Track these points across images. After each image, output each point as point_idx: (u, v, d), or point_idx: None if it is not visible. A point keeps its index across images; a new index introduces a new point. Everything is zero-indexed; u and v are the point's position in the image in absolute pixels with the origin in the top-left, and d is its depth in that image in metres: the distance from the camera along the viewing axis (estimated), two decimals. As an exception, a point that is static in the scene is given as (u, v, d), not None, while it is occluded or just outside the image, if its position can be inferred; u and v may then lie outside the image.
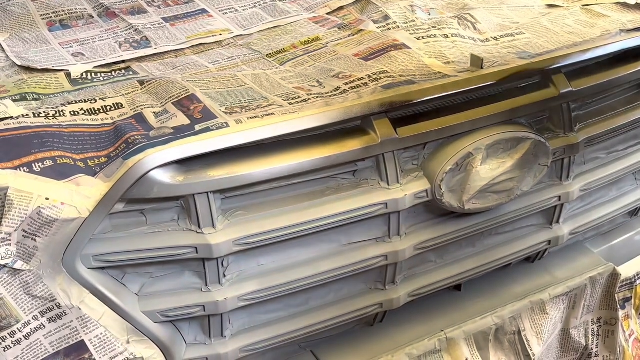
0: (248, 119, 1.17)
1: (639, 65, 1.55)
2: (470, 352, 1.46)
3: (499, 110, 1.36)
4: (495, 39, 1.61)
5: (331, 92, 1.30)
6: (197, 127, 1.14)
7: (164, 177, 1.09)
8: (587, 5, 1.78)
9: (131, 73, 1.45)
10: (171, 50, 1.57)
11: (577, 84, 1.45)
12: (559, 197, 1.50)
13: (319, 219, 1.22)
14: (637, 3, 1.73)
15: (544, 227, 1.56)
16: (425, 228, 1.36)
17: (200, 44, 1.60)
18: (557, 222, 1.56)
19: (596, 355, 1.67)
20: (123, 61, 1.51)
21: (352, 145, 1.23)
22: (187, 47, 1.59)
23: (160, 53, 1.56)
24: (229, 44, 1.61)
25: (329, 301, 1.34)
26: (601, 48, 1.49)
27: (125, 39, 1.59)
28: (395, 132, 1.25)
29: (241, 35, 1.65)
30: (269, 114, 1.19)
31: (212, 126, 1.14)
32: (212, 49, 1.59)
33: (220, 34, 1.64)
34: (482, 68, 1.38)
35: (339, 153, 1.21)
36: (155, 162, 1.07)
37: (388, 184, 1.28)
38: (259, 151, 1.17)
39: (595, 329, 1.67)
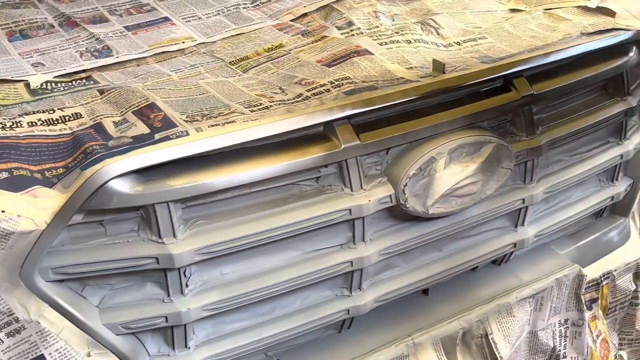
0: (209, 127, 1.16)
1: (599, 68, 1.57)
2: (438, 356, 1.46)
3: (461, 114, 1.36)
4: (458, 43, 1.61)
5: (293, 98, 1.29)
6: (157, 136, 1.13)
7: (123, 187, 1.08)
8: (550, 9, 1.79)
9: (92, 82, 1.43)
10: (133, 59, 1.56)
11: (538, 87, 1.46)
12: (523, 199, 1.51)
13: (282, 226, 1.21)
14: (598, 6, 1.75)
15: (509, 230, 1.56)
16: (390, 233, 1.36)
17: (163, 52, 1.59)
18: (522, 224, 1.57)
19: (564, 357, 1.68)
20: (84, 70, 1.50)
21: (314, 152, 1.22)
22: (149, 56, 1.57)
23: (122, 62, 1.54)
24: (191, 52, 1.60)
25: (295, 309, 1.33)
26: (562, 51, 1.50)
27: (86, 48, 1.58)
28: (357, 138, 1.25)
29: (204, 43, 1.64)
30: (230, 122, 1.18)
31: (171, 135, 1.13)
32: (174, 57, 1.57)
33: (183, 42, 1.63)
34: (444, 73, 1.38)
35: (301, 160, 1.21)
36: (114, 172, 1.06)
37: (352, 190, 1.28)
38: (221, 159, 1.16)
39: (563, 331, 1.68)
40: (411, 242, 1.38)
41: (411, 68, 1.44)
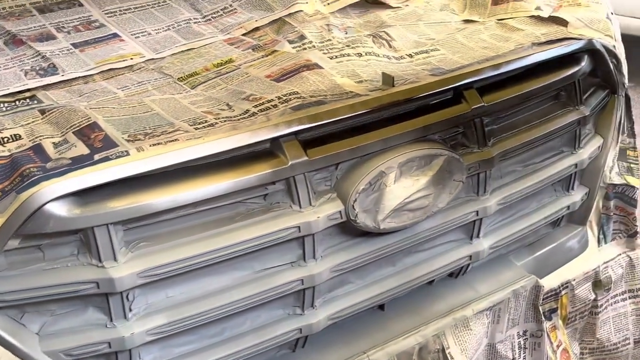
0: (150, 146, 1.13)
1: (551, 78, 1.57)
2: (394, 373, 1.44)
3: (411, 127, 1.35)
4: (410, 56, 1.61)
5: (240, 115, 1.27)
6: (96, 157, 1.10)
7: (60, 210, 1.05)
8: (503, 19, 1.79)
9: (35, 102, 1.40)
10: (79, 77, 1.52)
11: (489, 99, 1.45)
12: (477, 212, 1.50)
13: (229, 246, 1.19)
14: (550, 16, 1.75)
15: (464, 243, 1.55)
16: (342, 250, 1.35)
17: (110, 70, 1.55)
18: (477, 236, 1.55)
19: (524, 368, 1.68)
20: (28, 90, 1.46)
21: (260, 169, 1.20)
22: (97, 73, 1.54)
23: (68, 80, 1.51)
24: (140, 69, 1.57)
25: (245, 329, 1.30)
26: (513, 62, 1.50)
27: (31, 67, 1.54)
28: (305, 154, 1.23)
29: (153, 59, 1.61)
30: (172, 140, 1.15)
31: (111, 155, 1.10)
32: (122, 74, 1.54)
33: (132, 59, 1.60)
34: (393, 86, 1.37)
35: (247, 177, 1.19)
36: (50, 195, 1.03)
37: (300, 207, 1.26)
38: (163, 179, 1.13)
39: (522, 342, 1.67)
40: (364, 258, 1.36)
41: (361, 82, 1.42)
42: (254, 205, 1.24)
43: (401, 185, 1.33)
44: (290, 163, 1.22)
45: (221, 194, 1.17)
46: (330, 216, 1.27)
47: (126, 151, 1.11)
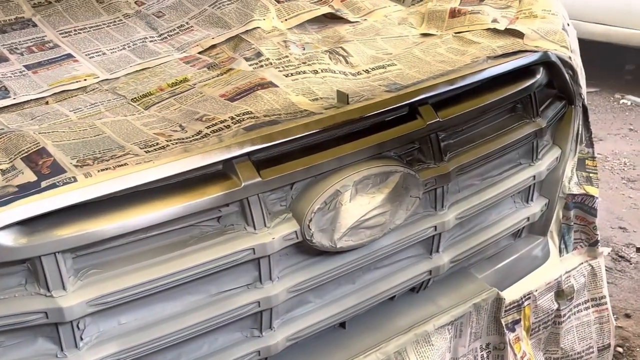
0: (99, 171, 1.12)
1: (506, 91, 1.58)
2: (355, 391, 1.43)
3: (366, 145, 1.35)
4: (367, 71, 1.60)
5: (192, 136, 1.26)
6: (43, 184, 1.08)
7: (6, 239, 1.03)
8: (459, 32, 1.80)
9: (-14, 127, 1.37)
10: (32, 100, 1.50)
11: (444, 114, 1.45)
12: (435, 227, 1.50)
13: (182, 270, 1.17)
14: (506, 28, 1.76)
15: (424, 258, 1.55)
16: (299, 270, 1.34)
17: (63, 92, 1.53)
18: (437, 251, 1.55)
19: (488, 381, 1.68)
20: (-22, 114, 1.43)
21: (213, 192, 1.19)
22: (49, 95, 1.52)
23: (20, 103, 1.49)
24: (93, 90, 1.55)
25: (202, 354, 1.29)
26: (467, 77, 1.50)
27: (-18, 90, 1.51)
28: (258, 175, 1.22)
29: (107, 79, 1.60)
30: (121, 165, 1.14)
31: (58, 182, 1.08)
32: (75, 96, 1.52)
33: (85, 79, 1.58)
34: (348, 103, 1.37)
35: (199, 200, 1.17)
36: (-4, 225, 1.01)
37: (255, 229, 1.25)
38: (113, 205, 1.11)
39: (485, 355, 1.67)
40: (322, 278, 1.35)
41: (316, 99, 1.42)
42: (208, 228, 1.23)
43: (357, 203, 1.32)
44: (243, 184, 1.21)
45: (173, 218, 1.16)
46: (285, 237, 1.26)
47: (74, 177, 1.09)
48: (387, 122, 1.41)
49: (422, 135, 1.43)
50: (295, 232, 1.27)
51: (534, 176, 1.69)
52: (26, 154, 1.18)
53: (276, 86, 1.45)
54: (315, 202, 1.27)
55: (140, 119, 1.37)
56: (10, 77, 1.58)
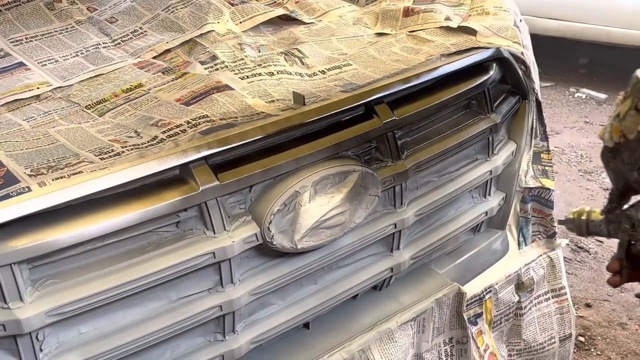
0: (53, 180, 1.10)
1: (461, 88, 1.60)
2: (320, 391, 1.44)
3: (323, 145, 1.35)
4: (323, 72, 1.61)
5: (148, 142, 1.25)
6: (-4, 194, 1.07)
7: (-41, 252, 1.01)
8: (413, 31, 1.81)
9: (-64, 138, 1.35)
10: (-17, 110, 1.48)
11: (400, 112, 1.47)
12: (395, 224, 1.51)
13: (141, 277, 1.17)
14: (459, 26, 1.78)
15: (385, 255, 1.56)
16: (261, 272, 1.34)
17: (16, 100, 1.51)
18: (398, 248, 1.57)
19: (452, 375, 1.69)
20: None
21: (170, 197, 1.18)
22: (1, 105, 1.49)
23: (-29, 113, 1.46)
24: (47, 98, 1.53)
25: (167, 359, 1.28)
26: (422, 75, 1.52)
27: None
28: (216, 179, 1.22)
29: (60, 87, 1.57)
30: (76, 173, 1.13)
31: (12, 192, 1.07)
32: (28, 105, 1.50)
33: (38, 88, 1.56)
34: (304, 105, 1.37)
35: (156, 206, 1.17)
36: (-52, 238, 0.99)
37: (214, 232, 1.24)
38: (69, 213, 1.10)
39: (449, 350, 1.69)
40: (284, 279, 1.36)
41: (273, 101, 1.42)
42: (166, 234, 1.22)
43: (316, 203, 1.33)
44: (201, 189, 1.20)
45: (130, 225, 1.15)
46: (245, 239, 1.26)
47: (28, 187, 1.08)
48: (344, 122, 1.41)
49: (379, 134, 1.44)
50: (256, 234, 1.27)
51: (491, 171, 1.71)
52: (-22, 165, 1.16)
53: (232, 89, 1.45)
54: (274, 203, 1.27)
55: (95, 126, 1.35)
56: (-39, 86, 1.55)
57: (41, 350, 1.12)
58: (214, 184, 1.22)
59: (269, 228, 1.27)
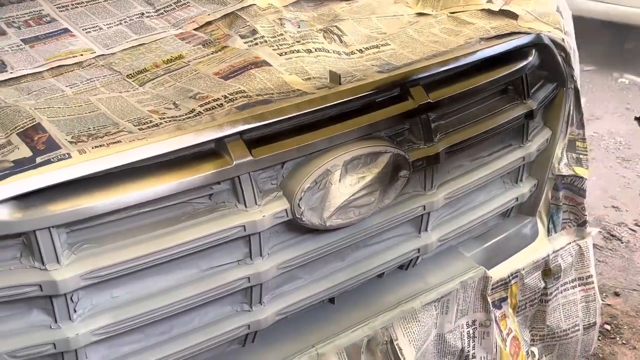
0: (93, 148, 1.14)
1: (498, 73, 1.59)
2: (342, 365, 1.47)
3: (357, 125, 1.37)
4: (361, 51, 1.62)
5: (185, 114, 1.28)
6: (38, 160, 1.11)
7: (2, 214, 1.05)
8: (454, 12, 1.81)
9: (-18, 101, 1.39)
10: (28, 74, 1.52)
11: (435, 95, 1.47)
12: (424, 206, 1.52)
13: (174, 246, 1.20)
14: (501, 9, 1.77)
15: (413, 236, 1.58)
16: (289, 247, 1.36)
17: (60, 66, 1.55)
18: (426, 230, 1.58)
19: (473, 357, 1.71)
20: (-24, 88, 1.45)
21: (205, 170, 1.21)
22: (46, 70, 1.54)
23: (17, 77, 1.50)
24: (89, 65, 1.57)
25: (194, 327, 1.32)
26: (459, 59, 1.52)
27: (-21, 64, 1.53)
28: (250, 154, 1.24)
29: (103, 55, 1.61)
30: (115, 142, 1.16)
31: (53, 158, 1.11)
32: (71, 71, 1.54)
33: (82, 54, 1.60)
34: (340, 84, 1.39)
35: (190, 178, 1.20)
36: (-8, 199, 1.03)
37: (246, 206, 1.27)
38: (106, 181, 1.14)
39: (471, 332, 1.71)
40: (311, 255, 1.38)
41: (309, 79, 1.44)
42: (200, 205, 1.26)
43: (347, 182, 1.35)
44: (234, 163, 1.23)
45: (164, 195, 1.18)
46: (275, 214, 1.29)
47: (68, 154, 1.11)
48: (378, 102, 1.42)
49: (412, 115, 1.45)
50: (286, 210, 1.30)
51: (524, 157, 1.71)
52: (22, 130, 1.20)
53: (270, 65, 1.47)
54: (305, 181, 1.30)
55: (135, 96, 1.39)
56: (8, 51, 1.59)
57: (75, 311, 1.17)
58: (248, 159, 1.24)
59: (299, 205, 1.30)
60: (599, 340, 2.77)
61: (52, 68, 1.54)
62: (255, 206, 1.28)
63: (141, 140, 1.17)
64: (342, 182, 1.34)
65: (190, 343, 1.30)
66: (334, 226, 1.36)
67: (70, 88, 1.46)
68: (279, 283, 1.40)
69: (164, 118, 1.26)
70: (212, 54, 1.58)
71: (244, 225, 1.26)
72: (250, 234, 1.28)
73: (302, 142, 1.30)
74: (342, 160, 1.33)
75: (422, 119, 1.47)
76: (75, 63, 1.57)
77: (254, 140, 1.27)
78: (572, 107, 1.86)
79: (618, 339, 2.79)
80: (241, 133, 1.25)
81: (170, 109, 1.32)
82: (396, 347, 1.53)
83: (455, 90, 1.51)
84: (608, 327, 2.84)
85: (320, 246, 1.39)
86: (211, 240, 1.24)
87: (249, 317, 1.36)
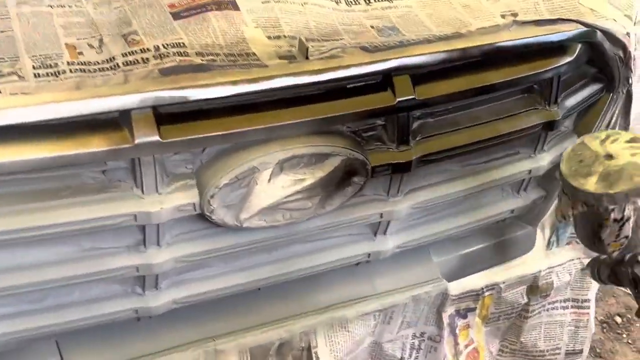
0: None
1: (517, 72, 1.29)
2: (241, 367, 1.31)
3: (310, 116, 1.12)
4: (368, 2, 1.32)
5: (100, 63, 1.06)
6: None
7: None
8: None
9: None
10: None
11: (423, 91, 1.19)
12: (381, 214, 1.29)
13: (46, 226, 1.02)
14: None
15: (366, 237, 1.36)
16: (197, 238, 1.17)
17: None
18: (383, 233, 1.35)
19: (413, 368, 1.54)
20: None
21: (96, 144, 1.00)
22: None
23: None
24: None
25: (74, 300, 1.17)
26: (468, 51, 1.22)
27: None
28: (158, 133, 1.02)
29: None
30: None
31: None
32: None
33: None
34: (307, 58, 1.12)
35: (74, 152, 0.99)
36: None
37: (143, 192, 1.07)
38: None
39: (416, 343, 1.52)
40: (222, 252, 1.19)
41: (277, 38, 1.17)
42: (90, 180, 1.06)
43: (279, 183, 1.12)
44: (135, 142, 1.01)
45: (41, 167, 0.99)
46: (179, 207, 1.09)
47: None
48: (349, 89, 1.16)
49: (388, 113, 1.18)
50: (194, 204, 1.09)
51: (530, 170, 1.42)
52: None
53: (236, 9, 1.20)
54: (223, 176, 1.08)
55: (65, 16, 1.15)
56: None
57: None
58: (153, 139, 1.02)
59: (209, 201, 1.09)
60: (602, 332, 2.55)
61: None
62: (155, 194, 1.07)
63: (26, 95, 0.97)
64: (273, 182, 1.12)
65: (66, 318, 1.16)
66: (254, 227, 1.16)
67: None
68: (182, 270, 1.22)
69: (73, 63, 1.05)
70: (181, -26, 1.31)
71: (135, 215, 1.06)
72: (143, 224, 1.09)
73: (230, 129, 1.07)
74: (277, 159, 1.10)
75: (400, 117, 1.20)
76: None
77: (169, 116, 1.04)
78: (617, 114, 1.53)
79: (625, 336, 2.56)
80: (154, 107, 1.02)
81: (92, 47, 1.10)
82: (313, 355, 1.36)
83: (453, 87, 1.22)
84: (619, 319, 2.61)
85: (234, 244, 1.19)
86: (94, 225, 1.05)
87: (139, 301, 1.20)
